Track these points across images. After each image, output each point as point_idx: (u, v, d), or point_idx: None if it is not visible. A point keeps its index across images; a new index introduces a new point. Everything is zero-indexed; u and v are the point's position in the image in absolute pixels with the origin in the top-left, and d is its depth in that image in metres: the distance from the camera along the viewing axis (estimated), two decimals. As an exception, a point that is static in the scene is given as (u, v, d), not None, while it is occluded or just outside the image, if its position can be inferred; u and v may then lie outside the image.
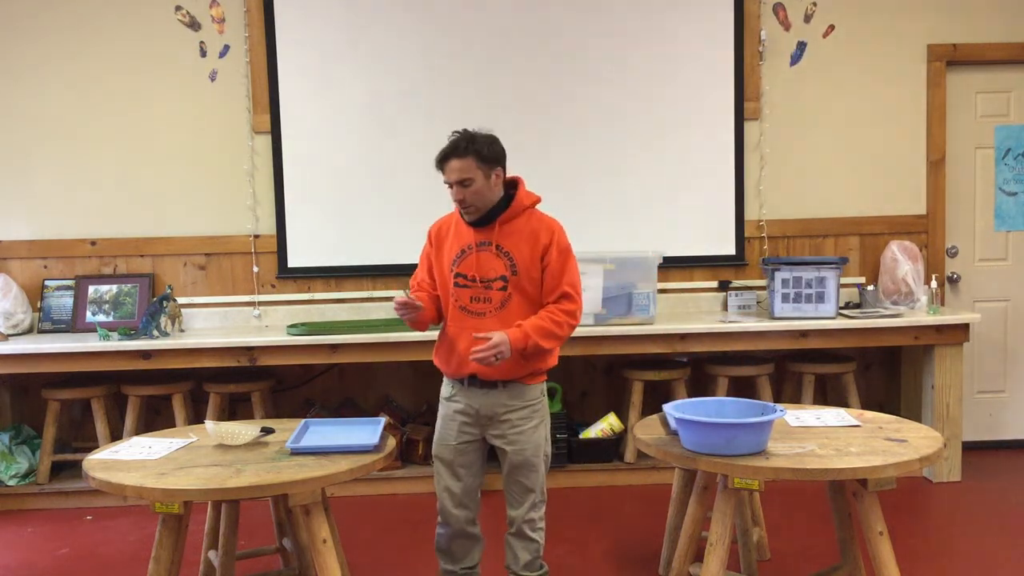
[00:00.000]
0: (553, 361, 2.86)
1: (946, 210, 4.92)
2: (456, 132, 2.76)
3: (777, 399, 4.73)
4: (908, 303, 4.64)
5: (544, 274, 2.76)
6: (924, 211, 4.89)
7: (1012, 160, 4.95)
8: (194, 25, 4.67)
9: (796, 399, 4.65)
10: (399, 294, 2.73)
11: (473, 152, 2.69)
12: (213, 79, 4.69)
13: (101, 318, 4.62)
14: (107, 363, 4.22)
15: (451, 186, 2.73)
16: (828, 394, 4.83)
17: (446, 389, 2.90)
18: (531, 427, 2.81)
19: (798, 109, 4.83)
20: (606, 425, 4.55)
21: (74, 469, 4.52)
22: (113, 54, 4.65)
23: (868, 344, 4.38)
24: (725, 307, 4.81)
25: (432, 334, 4.26)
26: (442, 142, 4.93)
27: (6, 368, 4.22)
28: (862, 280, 4.88)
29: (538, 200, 2.86)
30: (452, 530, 2.88)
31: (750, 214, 4.85)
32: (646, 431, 2.97)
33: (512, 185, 2.82)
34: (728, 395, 4.41)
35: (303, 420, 3.03)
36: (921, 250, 4.81)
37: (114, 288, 4.67)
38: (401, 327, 4.33)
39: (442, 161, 2.72)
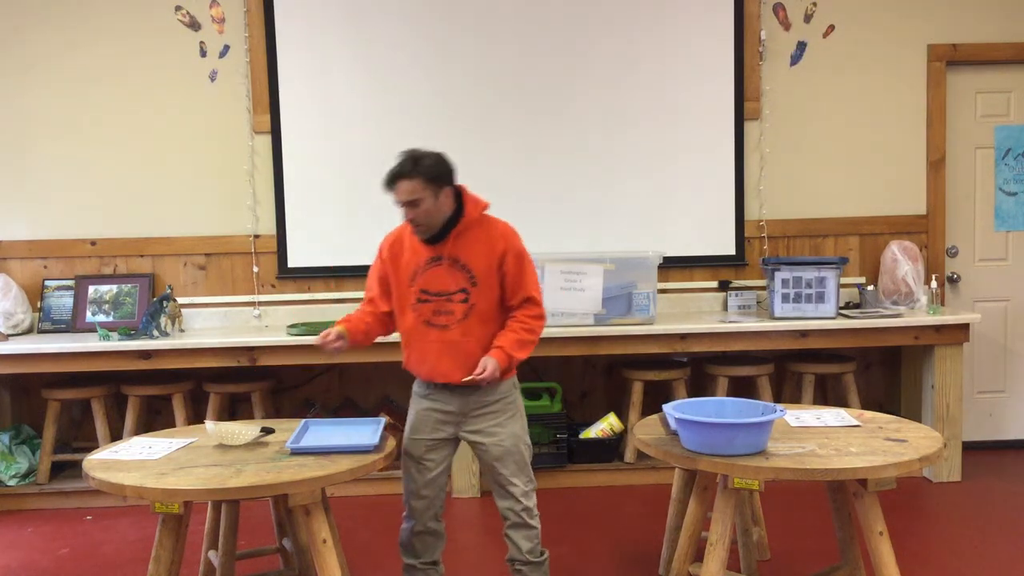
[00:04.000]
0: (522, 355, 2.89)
1: (946, 210, 4.92)
2: (403, 152, 2.76)
3: (777, 399, 4.73)
4: (908, 303, 4.64)
5: (505, 280, 2.81)
6: (924, 211, 4.89)
7: (1012, 160, 4.95)
8: (194, 25, 4.67)
9: (796, 399, 4.65)
10: (334, 331, 2.83)
11: (419, 173, 2.70)
12: (213, 79, 4.69)
13: (101, 318, 4.62)
14: (107, 363, 4.22)
15: (401, 206, 2.76)
16: (828, 394, 4.83)
17: (420, 388, 2.91)
18: (506, 418, 2.85)
19: (798, 109, 4.83)
20: (606, 425, 4.55)
21: (74, 469, 4.52)
22: (113, 54, 4.65)
23: (868, 344, 4.38)
24: (725, 307, 4.81)
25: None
26: (442, 140, 4.93)
27: (6, 368, 4.22)
28: (862, 280, 4.88)
29: (487, 206, 2.85)
30: (416, 524, 2.89)
31: (750, 214, 4.85)
32: (646, 431, 2.97)
33: (458, 196, 2.81)
34: (728, 395, 4.41)
35: (303, 420, 3.03)
36: (921, 250, 4.81)
37: (114, 288, 4.67)
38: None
39: (390, 183, 2.74)
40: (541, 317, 2.85)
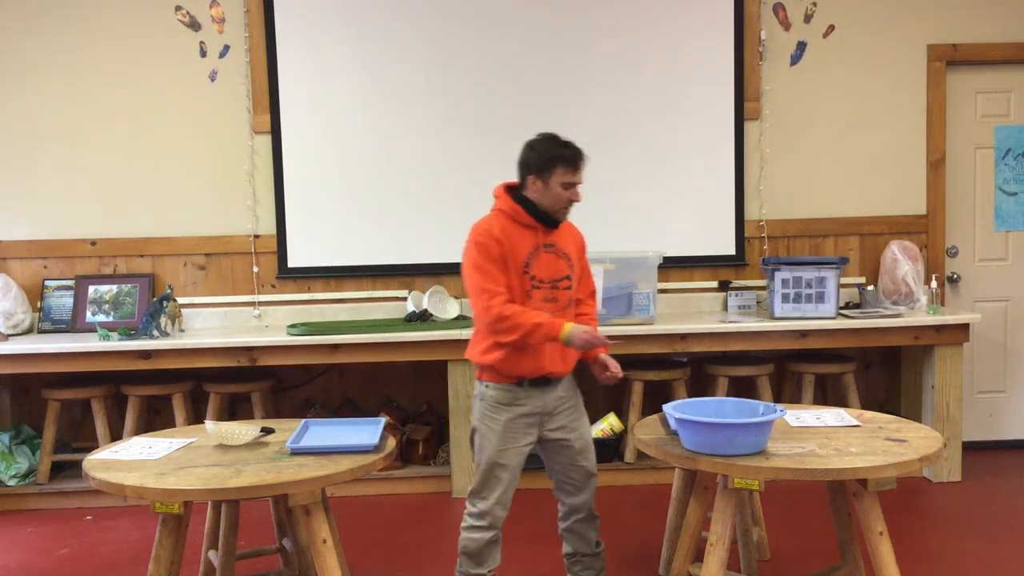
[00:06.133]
0: None
1: (946, 210, 4.91)
2: (546, 135, 2.85)
3: (777, 399, 4.73)
4: (908, 303, 4.64)
5: (582, 273, 2.97)
6: (924, 211, 4.89)
7: (1012, 160, 4.95)
8: (194, 25, 4.67)
9: (796, 399, 4.65)
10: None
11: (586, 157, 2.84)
12: (213, 79, 4.69)
13: (101, 318, 4.62)
14: (107, 363, 4.22)
15: (570, 187, 2.80)
16: (828, 394, 4.83)
17: (502, 395, 2.81)
18: (580, 412, 2.97)
19: (798, 109, 4.83)
20: (606, 425, 4.55)
21: (74, 469, 4.52)
22: (113, 54, 4.65)
23: (868, 344, 4.38)
24: (725, 307, 4.81)
25: (434, 335, 4.26)
26: (441, 141, 4.96)
27: (6, 368, 4.22)
28: (862, 280, 4.88)
29: None
30: (495, 534, 2.85)
31: (750, 214, 4.85)
32: (646, 431, 2.98)
33: None
34: (728, 395, 4.41)
35: (303, 420, 3.03)
36: (921, 250, 4.81)
37: (114, 288, 4.67)
38: (401, 327, 4.33)
39: (580, 161, 2.82)
40: None
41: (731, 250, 4.84)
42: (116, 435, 4.46)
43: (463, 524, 2.85)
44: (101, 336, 4.27)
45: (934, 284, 4.61)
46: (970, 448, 4.72)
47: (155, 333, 4.30)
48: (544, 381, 2.82)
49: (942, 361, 4.40)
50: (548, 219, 2.81)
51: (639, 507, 4.16)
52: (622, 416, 4.64)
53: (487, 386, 2.84)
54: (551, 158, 2.76)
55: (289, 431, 2.94)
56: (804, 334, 4.34)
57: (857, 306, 4.68)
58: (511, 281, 2.75)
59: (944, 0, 4.82)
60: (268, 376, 4.58)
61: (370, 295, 4.78)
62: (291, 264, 4.74)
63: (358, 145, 4.71)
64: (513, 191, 2.84)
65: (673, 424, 2.82)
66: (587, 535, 2.96)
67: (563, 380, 2.89)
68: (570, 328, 2.67)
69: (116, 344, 4.19)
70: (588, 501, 2.93)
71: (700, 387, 4.70)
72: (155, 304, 4.34)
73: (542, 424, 2.85)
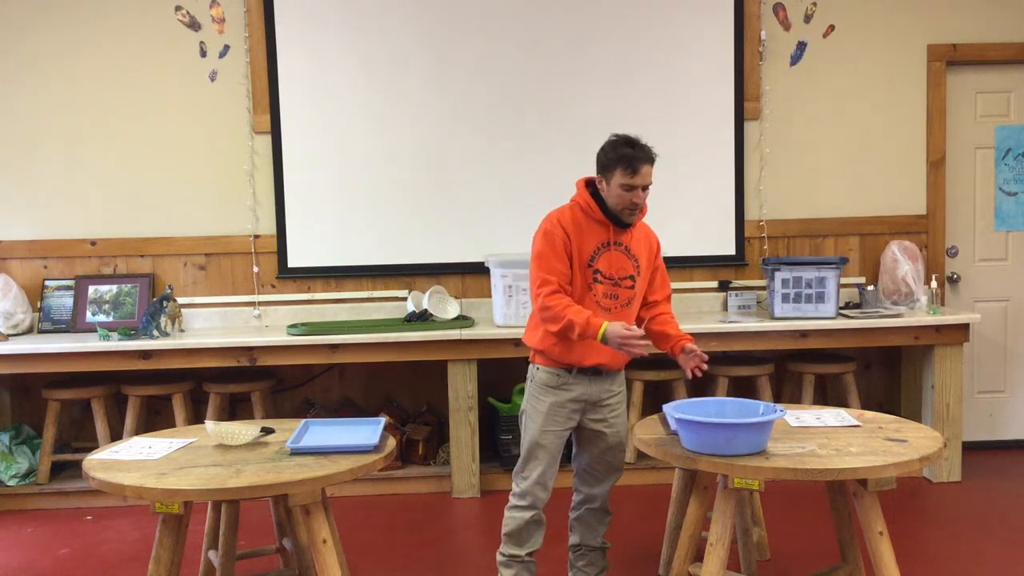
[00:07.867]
0: None
1: (946, 210, 4.92)
2: (620, 136, 2.83)
3: (777, 399, 4.73)
4: (908, 303, 4.64)
5: (655, 275, 2.99)
6: (924, 211, 4.89)
7: (1012, 160, 4.95)
8: (194, 25, 4.67)
9: (796, 399, 4.65)
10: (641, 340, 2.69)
11: (653, 160, 2.82)
12: (213, 79, 4.69)
13: (101, 318, 4.62)
14: (107, 363, 4.22)
15: (630, 189, 2.77)
16: (828, 394, 4.83)
17: (551, 378, 2.86)
18: (623, 409, 3.00)
19: (798, 109, 4.83)
20: (606, 425, 4.54)
21: (74, 469, 4.52)
22: (113, 54, 4.65)
23: (868, 344, 4.38)
24: (725, 307, 4.81)
25: (434, 335, 4.27)
26: (442, 141, 4.96)
27: (6, 368, 4.22)
28: (862, 280, 4.88)
29: None
30: (536, 515, 2.89)
31: (750, 214, 4.85)
32: (646, 431, 2.98)
33: None
34: (728, 395, 4.41)
35: (303, 420, 3.03)
36: (921, 250, 4.81)
37: (114, 288, 4.67)
38: (401, 327, 4.33)
39: (640, 163, 2.76)
40: None
41: (731, 250, 4.84)
42: (116, 435, 4.46)
43: (507, 505, 2.91)
44: (101, 336, 4.27)
45: (934, 284, 4.61)
46: (970, 448, 4.72)
47: (155, 333, 4.30)
48: (593, 371, 2.87)
49: (942, 361, 4.41)
50: (618, 219, 2.83)
51: (639, 507, 4.16)
52: (622, 416, 4.64)
53: (538, 368, 2.91)
54: (612, 159, 2.79)
55: (289, 431, 2.94)
56: (804, 334, 4.34)
57: (857, 306, 4.68)
58: (574, 273, 2.81)
59: (944, 0, 4.82)
60: (268, 376, 4.58)
61: (370, 295, 4.78)
62: (291, 264, 4.74)
63: (358, 145, 4.71)
64: (593, 186, 2.89)
65: (673, 424, 2.82)
66: (596, 528, 3.01)
67: (614, 373, 2.94)
68: (606, 327, 2.67)
69: (116, 344, 4.19)
70: (604, 493, 2.99)
71: (700, 387, 4.69)
72: (155, 304, 4.34)
73: (584, 412, 2.89)
